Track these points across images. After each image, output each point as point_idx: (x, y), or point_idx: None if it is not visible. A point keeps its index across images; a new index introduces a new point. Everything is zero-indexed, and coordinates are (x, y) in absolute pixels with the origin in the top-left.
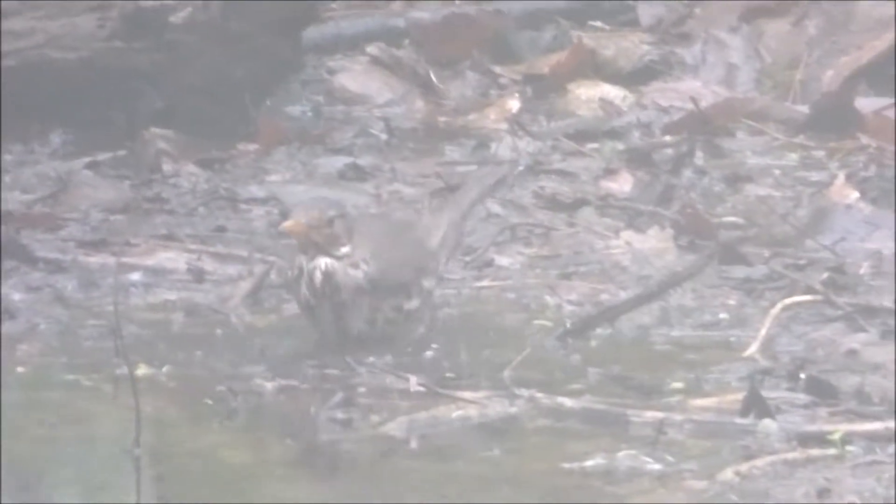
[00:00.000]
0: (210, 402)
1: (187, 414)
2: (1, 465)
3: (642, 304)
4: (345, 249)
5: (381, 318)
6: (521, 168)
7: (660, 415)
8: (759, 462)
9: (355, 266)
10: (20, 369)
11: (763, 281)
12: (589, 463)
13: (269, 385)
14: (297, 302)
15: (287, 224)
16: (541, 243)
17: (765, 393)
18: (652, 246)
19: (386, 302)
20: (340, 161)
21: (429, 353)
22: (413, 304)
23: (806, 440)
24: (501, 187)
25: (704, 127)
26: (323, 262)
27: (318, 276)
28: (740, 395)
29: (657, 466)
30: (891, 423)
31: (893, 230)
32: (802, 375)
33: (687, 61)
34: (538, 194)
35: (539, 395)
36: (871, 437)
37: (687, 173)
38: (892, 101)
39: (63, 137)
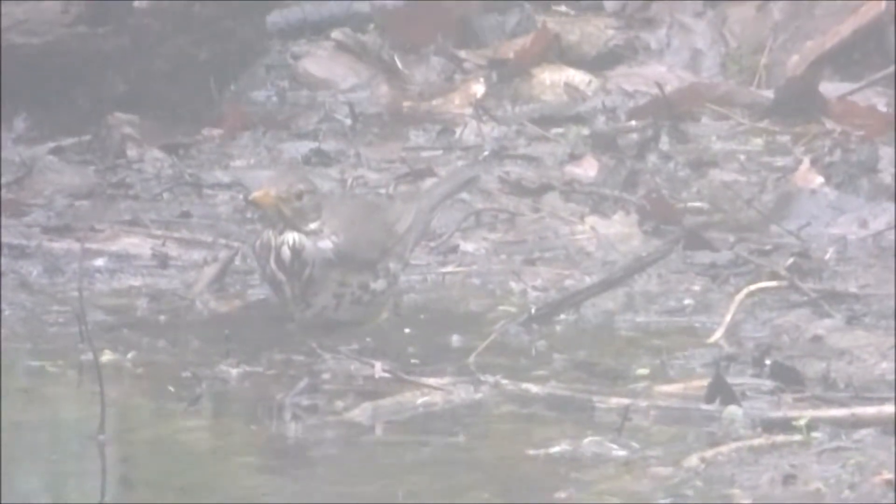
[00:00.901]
0: (172, 388)
1: (152, 400)
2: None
3: (607, 290)
4: (314, 225)
5: (348, 296)
6: (486, 153)
7: (625, 401)
8: (725, 448)
9: (324, 240)
10: None
11: (728, 266)
12: (554, 449)
13: (234, 371)
14: (263, 276)
15: (256, 194)
16: (506, 229)
17: (730, 379)
18: (617, 231)
19: (353, 278)
20: (305, 146)
21: (394, 339)
22: (380, 284)
23: (771, 426)
24: (473, 185)
25: (669, 112)
26: (292, 236)
27: (286, 251)
28: (705, 382)
29: (622, 453)
30: (856, 410)
31: (857, 215)
32: (767, 361)
33: (652, 46)
34: (503, 179)
35: (504, 381)
36: (837, 424)
37: (652, 158)
38: (857, 86)
39: (27, 122)
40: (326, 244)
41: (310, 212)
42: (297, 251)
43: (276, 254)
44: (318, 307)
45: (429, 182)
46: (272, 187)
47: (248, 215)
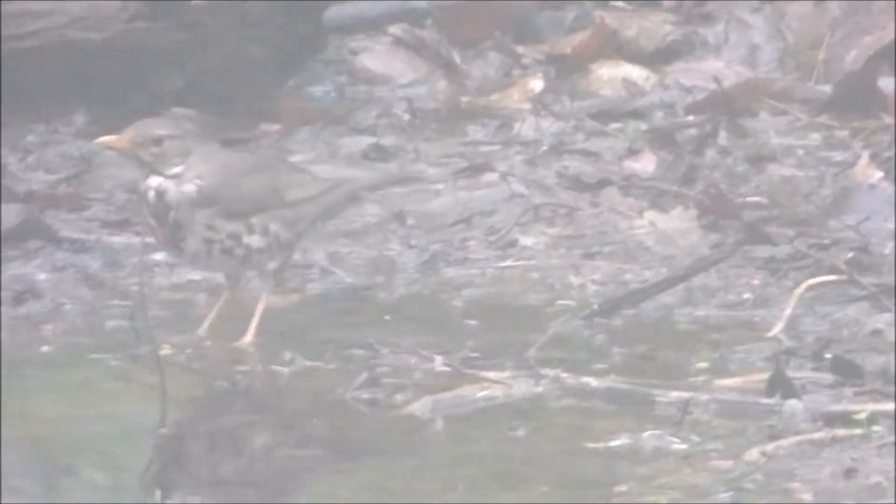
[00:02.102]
0: (229, 383)
1: (210, 395)
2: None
3: (670, 287)
4: (177, 169)
5: (218, 244)
6: (544, 148)
7: (685, 395)
8: (785, 442)
9: (186, 183)
10: (45, 349)
11: (787, 261)
12: (614, 443)
13: (293, 366)
14: (141, 221)
15: (106, 137)
16: (565, 223)
17: (790, 373)
18: (675, 226)
19: (222, 225)
20: (364, 141)
21: (454, 333)
22: (254, 240)
23: (831, 420)
24: (402, 184)
25: (727, 107)
26: (155, 180)
27: (151, 195)
28: (765, 375)
29: (682, 446)
30: None
31: None
32: (827, 355)
33: (709, 41)
34: (562, 174)
35: (564, 374)
36: None
37: (710, 153)
38: None
39: (87, 117)
40: (189, 187)
41: (173, 156)
42: (159, 194)
43: (144, 198)
44: (190, 253)
45: (487, 177)
46: (129, 132)
47: None
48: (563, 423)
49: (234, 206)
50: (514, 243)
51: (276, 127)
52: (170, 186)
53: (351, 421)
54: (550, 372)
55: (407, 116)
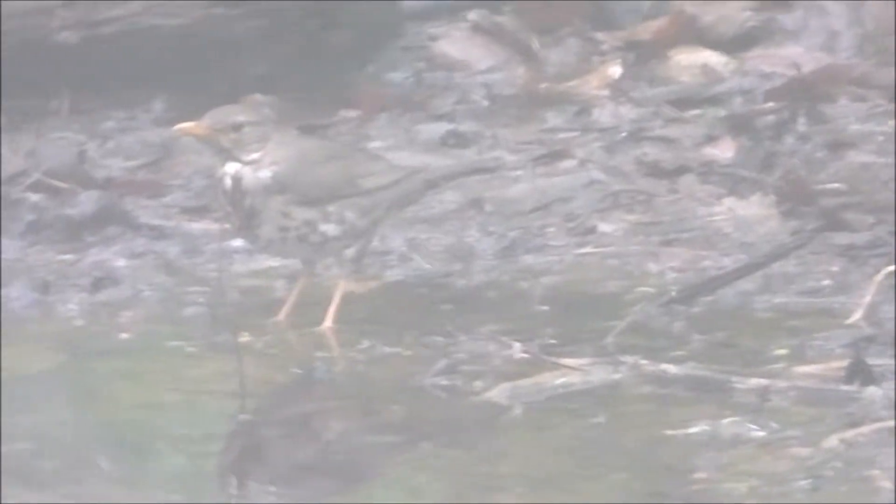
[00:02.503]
0: (308, 370)
1: (289, 381)
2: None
3: (749, 274)
4: (254, 155)
5: (293, 231)
6: (622, 134)
7: (764, 381)
8: (864, 429)
9: (262, 168)
10: (124, 335)
11: (866, 247)
12: (693, 429)
13: (372, 352)
14: (217, 206)
15: (184, 125)
16: (643, 210)
17: (869, 360)
18: (754, 212)
19: (297, 212)
20: (442, 127)
21: (532, 320)
22: (329, 228)
23: None
24: (482, 173)
25: (806, 93)
26: (232, 166)
27: (227, 181)
28: (844, 362)
29: (761, 433)
30: None
31: None
32: None
33: (788, 27)
34: (640, 161)
35: (643, 361)
36: None
37: (789, 139)
38: None
39: (165, 104)
40: (264, 173)
41: (251, 143)
42: (236, 180)
43: (220, 184)
44: (265, 239)
45: (566, 163)
46: (208, 118)
47: None
48: (641, 410)
49: (309, 194)
50: (592, 230)
51: (354, 113)
52: (246, 172)
53: (429, 407)
54: (629, 359)
55: (485, 103)
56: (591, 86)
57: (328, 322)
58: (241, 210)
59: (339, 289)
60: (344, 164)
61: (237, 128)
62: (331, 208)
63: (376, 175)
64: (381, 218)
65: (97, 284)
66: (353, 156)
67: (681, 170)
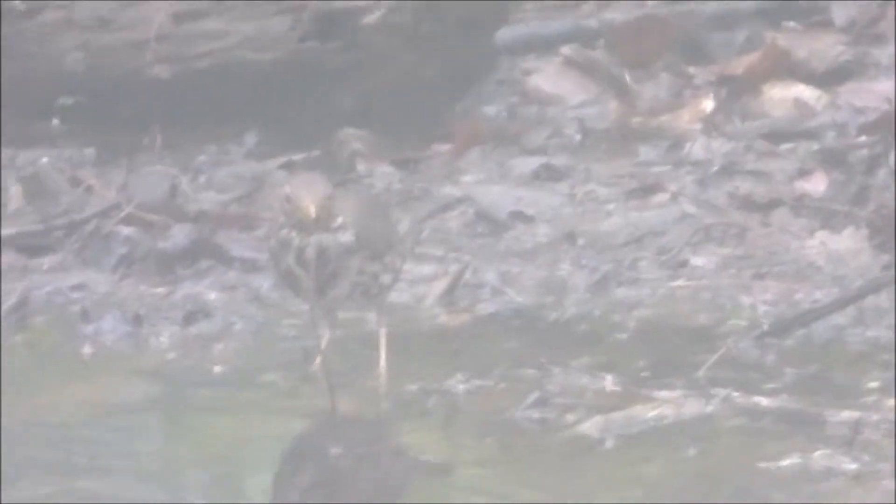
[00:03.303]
0: (400, 403)
1: (380, 414)
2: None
3: (841, 308)
4: (335, 223)
5: (361, 287)
6: (715, 168)
7: (856, 414)
8: None
9: (342, 231)
10: (217, 369)
11: None
12: (785, 462)
13: (463, 385)
14: (278, 271)
15: (310, 211)
16: (735, 243)
17: None
18: (847, 246)
19: (369, 267)
20: (535, 161)
21: (624, 353)
22: (386, 279)
23: None
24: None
25: None
26: (317, 238)
27: (310, 252)
28: None
29: (853, 466)
30: None
31: None
32: None
33: (882, 62)
34: (732, 194)
35: (735, 394)
36: None
37: (881, 173)
38: None
39: (257, 137)
40: (346, 237)
41: (335, 214)
42: (322, 250)
43: (298, 253)
44: (336, 299)
45: (658, 197)
46: (310, 199)
47: (479, 229)
48: (733, 442)
49: (377, 247)
50: (684, 263)
51: (447, 147)
52: (330, 240)
53: (521, 440)
54: (721, 392)
55: (578, 137)
56: (683, 120)
57: (382, 362)
58: (322, 276)
59: (383, 335)
60: (384, 213)
61: (330, 199)
62: (387, 258)
63: (401, 221)
64: (407, 256)
65: (189, 317)
66: (385, 203)
67: (773, 203)
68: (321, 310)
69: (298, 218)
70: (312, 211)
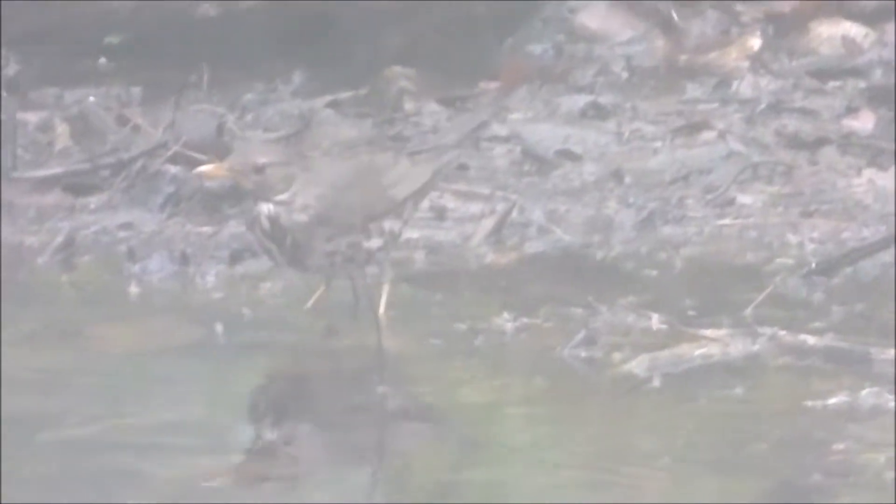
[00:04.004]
0: (448, 341)
1: (429, 353)
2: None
3: (888, 246)
4: (283, 196)
5: (339, 255)
6: (762, 106)
7: None
8: None
9: (296, 211)
10: (263, 307)
11: None
12: (832, 401)
13: (511, 324)
14: (255, 240)
15: (203, 167)
16: (783, 181)
17: None
18: (894, 184)
19: (342, 240)
20: (582, 99)
21: (671, 292)
22: (374, 243)
23: None
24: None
25: None
26: (265, 207)
27: (263, 220)
28: None
29: None
30: None
31: None
32: None
33: None
34: (780, 133)
35: (782, 333)
36: None
37: None
38: None
39: (304, 76)
40: (300, 216)
41: (276, 184)
42: (273, 220)
43: (258, 223)
44: (313, 267)
45: (705, 135)
46: (228, 161)
47: (526, 167)
48: (780, 381)
49: (349, 221)
50: (731, 201)
51: (494, 85)
52: (282, 212)
53: (568, 379)
54: (768, 330)
55: (625, 74)
56: (730, 57)
57: (381, 310)
58: (285, 247)
59: (385, 290)
60: (372, 180)
61: (259, 170)
62: (372, 226)
63: (404, 182)
64: (410, 216)
65: (235, 256)
66: (378, 167)
67: (820, 141)
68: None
69: (215, 182)
70: (218, 173)
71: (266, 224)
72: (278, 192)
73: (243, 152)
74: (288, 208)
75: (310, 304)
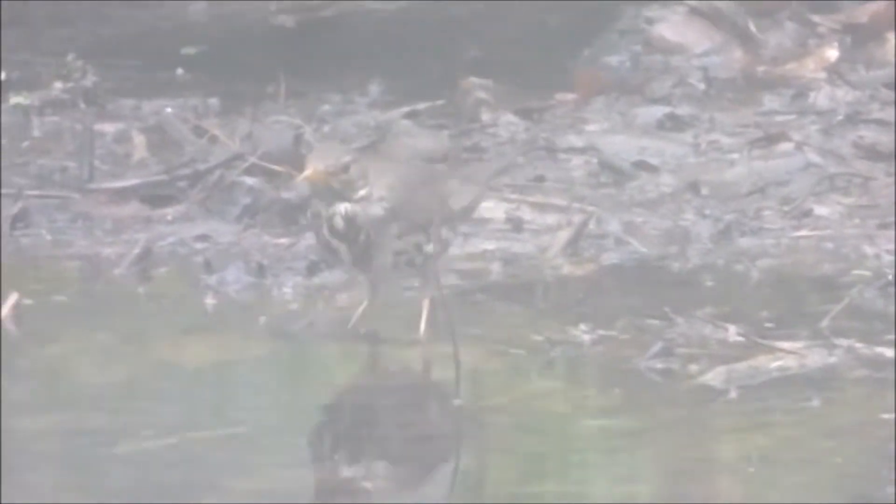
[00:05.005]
0: (525, 352)
1: (506, 364)
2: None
3: None
4: (362, 192)
5: (405, 255)
6: (839, 118)
7: None
8: None
9: (373, 205)
10: (339, 320)
11: None
12: None
13: (588, 335)
14: (319, 243)
15: (307, 173)
16: (859, 193)
17: None
18: None
19: (408, 238)
20: (659, 111)
21: (748, 303)
22: (431, 248)
23: None
24: (510, 170)
25: None
26: (342, 207)
27: (338, 220)
28: None
29: None
30: None
31: None
32: None
33: None
34: (857, 144)
35: (858, 345)
36: None
37: None
38: None
39: (381, 87)
40: (377, 209)
41: (357, 180)
42: (349, 219)
43: (329, 223)
44: (379, 267)
45: (782, 146)
46: (320, 163)
47: (602, 179)
48: (857, 393)
49: (416, 218)
50: (808, 213)
51: (570, 97)
52: (358, 210)
53: (645, 390)
54: (845, 342)
55: (702, 86)
56: (808, 69)
57: (422, 331)
58: (357, 245)
59: (427, 302)
60: (436, 186)
61: (346, 168)
62: (431, 229)
63: (460, 194)
64: (458, 229)
65: (312, 268)
66: (439, 176)
67: None
68: (372, 279)
69: (314, 187)
70: (319, 177)
71: (340, 224)
72: (359, 189)
73: (328, 154)
74: (366, 204)
75: (352, 322)
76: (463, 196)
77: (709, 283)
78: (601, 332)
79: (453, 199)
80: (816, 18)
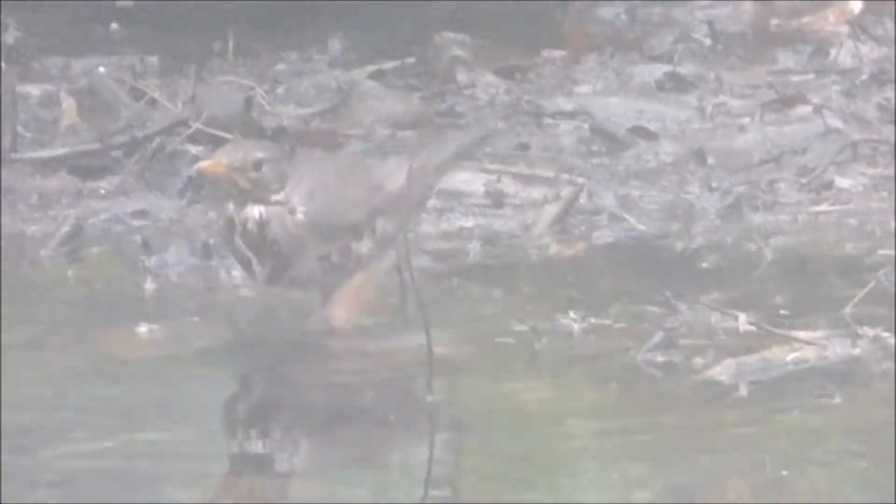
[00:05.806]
0: (508, 343)
1: (486, 357)
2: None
3: None
4: (277, 196)
5: (326, 262)
6: (863, 77)
7: None
8: None
9: (292, 212)
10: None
11: None
12: None
13: (578, 324)
14: (232, 253)
15: (204, 163)
16: (886, 162)
17: None
18: None
19: (332, 245)
20: (658, 69)
21: (760, 288)
22: (364, 246)
23: None
24: (483, 145)
25: None
26: (256, 210)
27: (251, 226)
28: None
29: None
30: None
31: None
32: None
33: None
34: (883, 107)
35: (885, 334)
36: None
37: None
38: None
39: (343, 43)
40: (296, 218)
41: (272, 182)
42: (263, 225)
43: (242, 229)
44: (298, 279)
45: (799, 110)
46: (224, 157)
47: (595, 147)
48: (882, 388)
49: (344, 219)
50: (829, 185)
51: (559, 53)
52: (273, 216)
53: (643, 387)
54: (870, 331)
55: (708, 41)
56: (827, 22)
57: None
58: (269, 256)
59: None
60: (362, 172)
61: (257, 166)
62: (363, 227)
63: (394, 174)
64: (405, 223)
65: None
66: (366, 161)
67: None
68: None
69: (214, 183)
70: (219, 171)
71: (253, 230)
72: (273, 193)
73: (239, 146)
74: (281, 211)
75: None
76: (398, 174)
77: (716, 265)
78: (593, 320)
79: (389, 182)
80: None
